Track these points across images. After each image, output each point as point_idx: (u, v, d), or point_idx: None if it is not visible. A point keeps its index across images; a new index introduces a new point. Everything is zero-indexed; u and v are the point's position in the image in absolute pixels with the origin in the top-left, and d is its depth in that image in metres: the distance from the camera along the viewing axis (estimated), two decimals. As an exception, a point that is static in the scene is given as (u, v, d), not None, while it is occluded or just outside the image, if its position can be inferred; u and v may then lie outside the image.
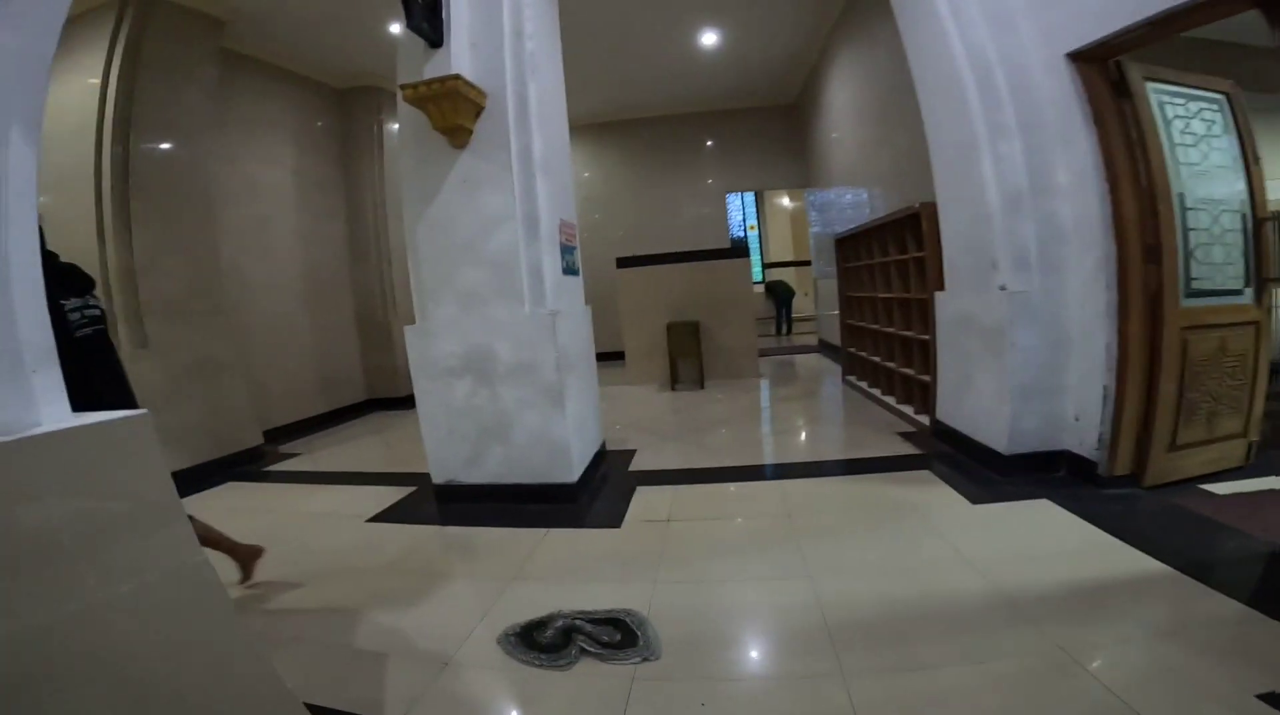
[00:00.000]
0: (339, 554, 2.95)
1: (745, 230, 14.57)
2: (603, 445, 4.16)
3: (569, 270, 3.79)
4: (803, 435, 4.64)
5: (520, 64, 3.28)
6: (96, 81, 4.12)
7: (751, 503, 3.21)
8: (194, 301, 4.64)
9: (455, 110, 3.06)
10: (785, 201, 14.56)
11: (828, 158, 7.83)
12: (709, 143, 9.50)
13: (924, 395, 4.30)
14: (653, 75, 7.85)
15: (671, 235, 9.08)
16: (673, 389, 6.56)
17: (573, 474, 3.40)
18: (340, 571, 2.74)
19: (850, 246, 6.00)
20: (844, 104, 6.79)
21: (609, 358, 7.02)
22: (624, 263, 7.16)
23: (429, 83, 2.97)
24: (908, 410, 4.62)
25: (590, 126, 9.33)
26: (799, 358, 8.63)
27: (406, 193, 3.41)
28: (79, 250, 4.12)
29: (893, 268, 4.91)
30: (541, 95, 3.43)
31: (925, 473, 3.37)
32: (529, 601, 2.29)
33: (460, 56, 3.06)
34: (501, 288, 3.27)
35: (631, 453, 4.26)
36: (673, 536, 2.83)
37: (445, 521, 3.26)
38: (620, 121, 9.46)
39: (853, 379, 6.10)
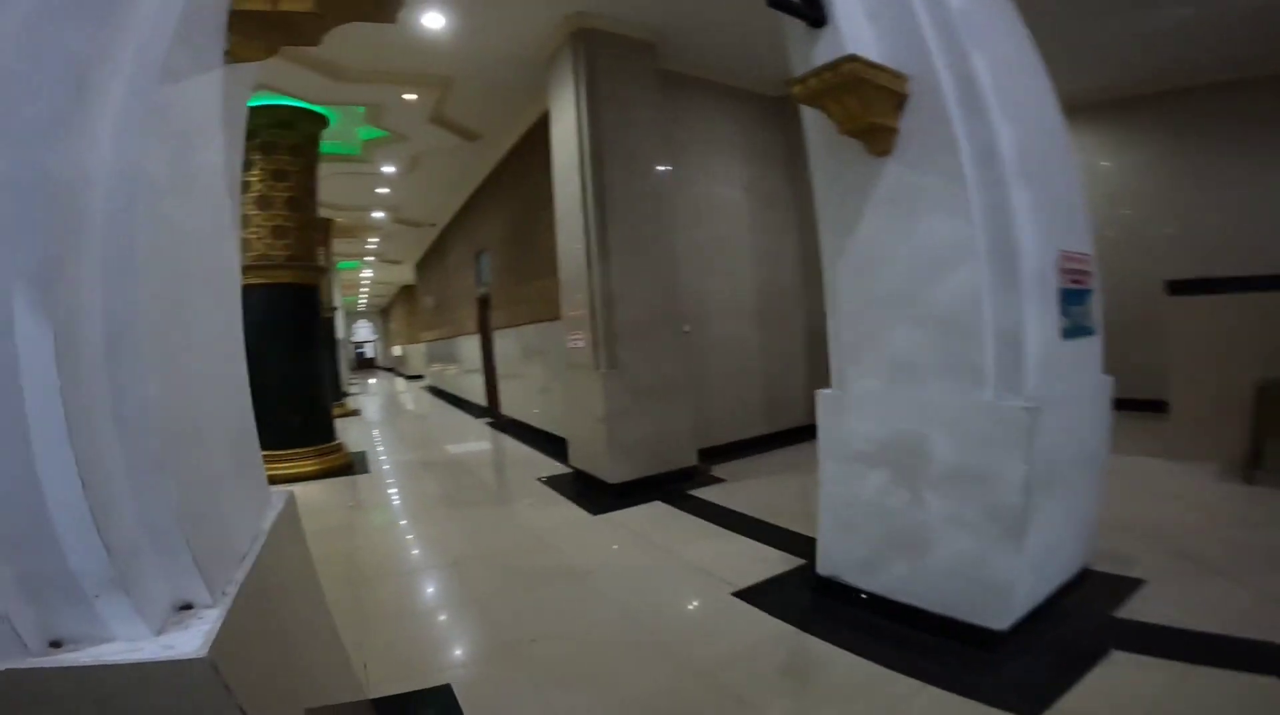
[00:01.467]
0: (676, 634, 2.60)
1: None
2: (1083, 568, 2.70)
3: (1075, 330, 2.52)
4: None
5: (949, 31, 2.29)
6: (572, 118, 4.84)
7: None
8: (656, 325, 5.04)
9: (863, 104, 2.29)
10: None
11: None
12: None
13: None
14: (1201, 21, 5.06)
15: (1268, 245, 5.73)
16: (1248, 481, 4.00)
17: (1005, 619, 2.21)
18: (657, 657, 2.35)
19: None
20: None
21: (1132, 407, 4.78)
22: (1181, 288, 4.78)
23: (818, 72, 2.29)
24: None
25: (1103, 105, 6.70)
26: None
27: (821, 220, 2.76)
28: (576, 271, 5.04)
29: None
30: (997, 70, 2.34)
31: None
32: None
33: (855, 32, 2.34)
34: (949, 359, 2.34)
35: (1134, 585, 2.64)
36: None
37: (809, 626, 2.55)
38: (1156, 94, 6.56)
39: None
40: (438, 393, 15.33)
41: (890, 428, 2.51)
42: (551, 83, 5.28)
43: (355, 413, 12.25)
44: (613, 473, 4.77)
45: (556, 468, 5.83)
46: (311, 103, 6.22)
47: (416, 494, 5.56)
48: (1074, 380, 2.50)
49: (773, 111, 6.64)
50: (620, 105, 4.92)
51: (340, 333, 18.57)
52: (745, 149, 6.39)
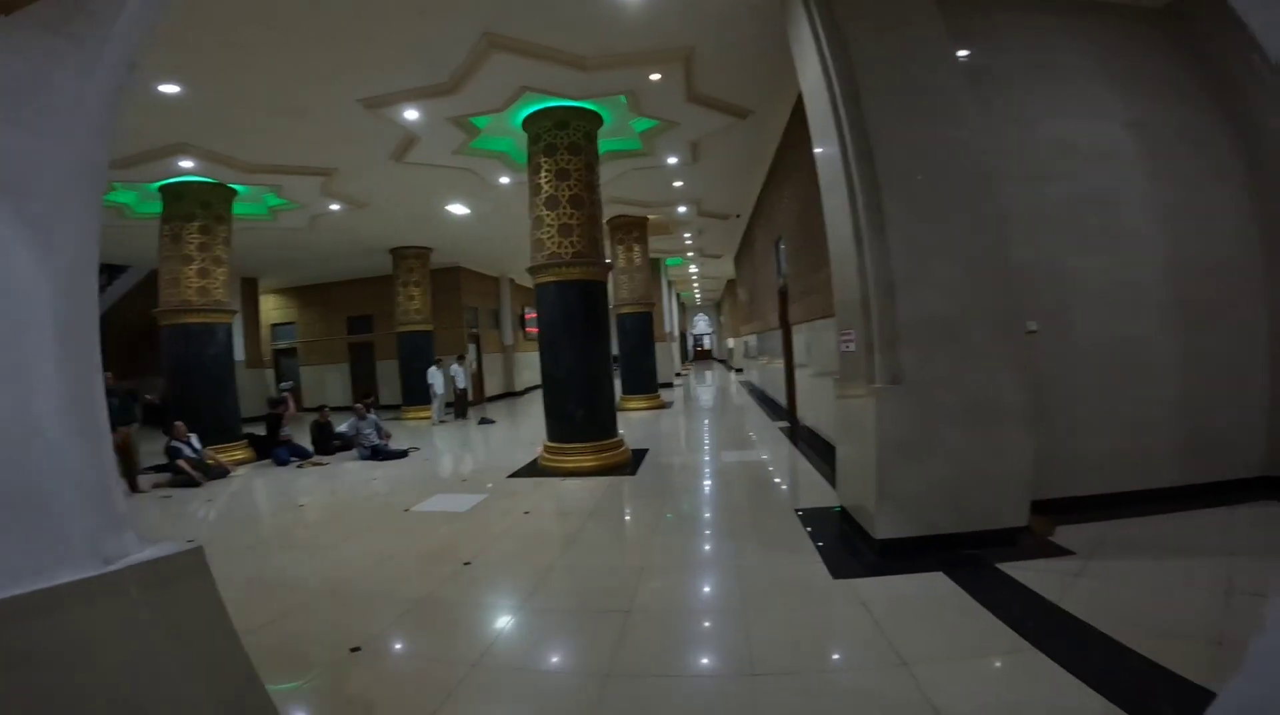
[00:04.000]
0: None
1: None
2: None
3: None
4: None
5: None
6: (814, 56, 3.56)
7: None
8: (969, 322, 3.46)
9: None
10: None
11: None
12: None
13: None
14: None
15: None
16: None
17: None
18: None
19: None
20: None
21: None
22: None
23: None
24: None
25: None
26: None
27: None
28: (844, 251, 3.81)
29: None
30: None
31: None
32: None
33: None
34: None
35: None
36: None
37: None
38: None
39: None
40: (751, 389, 14.91)
41: None
42: (790, 26, 4.12)
43: (665, 406, 12.59)
44: (881, 525, 3.41)
45: (829, 499, 4.61)
46: (578, 98, 6.19)
47: (646, 508, 5.03)
48: None
49: (1153, 31, 4.32)
50: (879, 26, 3.60)
51: (669, 326, 19.78)
52: (1116, 78, 4.26)
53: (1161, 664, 2.09)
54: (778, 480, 5.80)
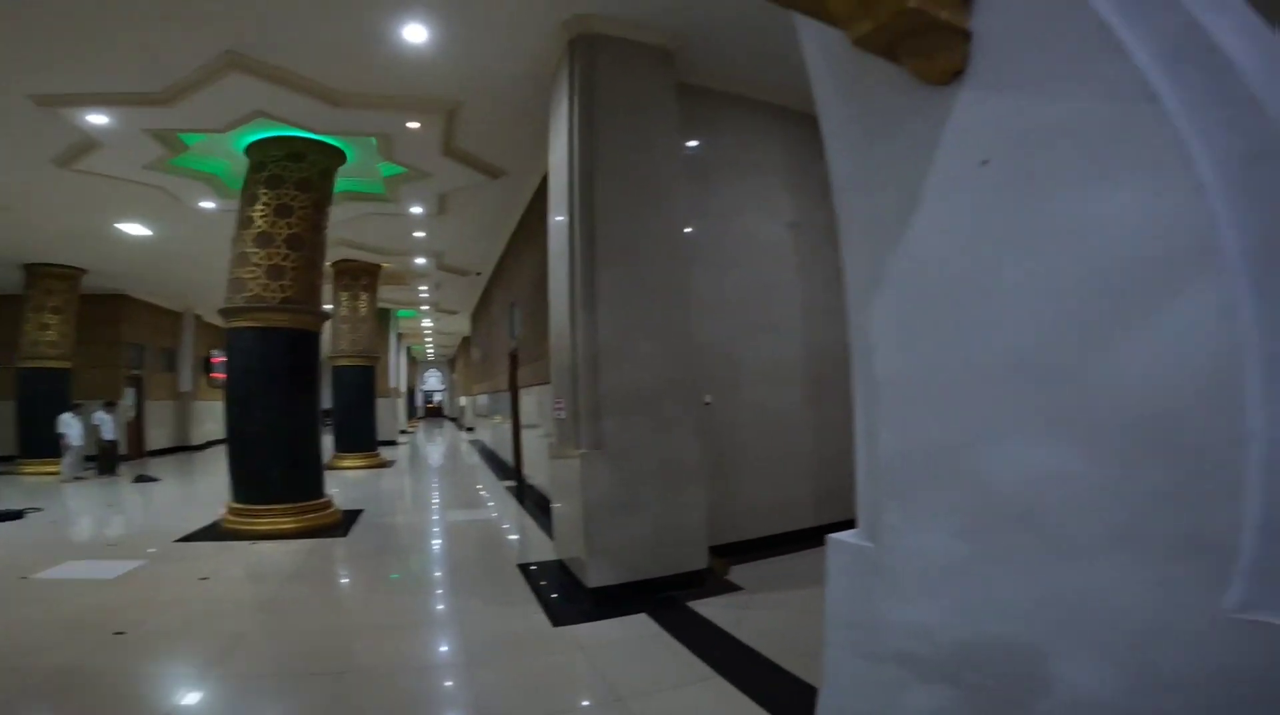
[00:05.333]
0: None
1: None
2: None
3: None
4: None
5: None
6: (565, 137, 3.97)
7: None
8: (662, 394, 3.97)
9: None
10: None
11: None
12: None
13: None
14: None
15: None
16: None
17: None
18: None
19: None
20: None
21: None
22: None
23: None
24: None
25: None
26: None
27: (841, 219, 1.73)
28: (560, 323, 4.12)
29: None
30: None
31: None
32: None
33: None
34: (1153, 505, 1.11)
35: None
36: None
37: None
38: None
39: None
40: (482, 449, 14.72)
41: (974, 627, 1.36)
42: (552, 99, 4.54)
43: (386, 464, 11.74)
44: (592, 575, 3.71)
45: (551, 553, 4.81)
46: (321, 133, 5.82)
47: (359, 569, 4.69)
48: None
49: (817, 135, 5.65)
50: (625, 122, 4.06)
51: (394, 381, 18.62)
52: (791, 178, 5.33)
53: (805, 679, 2.59)
54: (502, 537, 5.86)
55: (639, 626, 3.35)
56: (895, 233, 1.52)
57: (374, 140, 6.03)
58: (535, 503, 7.17)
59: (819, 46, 1.68)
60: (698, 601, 3.66)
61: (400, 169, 6.75)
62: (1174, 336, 1.09)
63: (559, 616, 3.49)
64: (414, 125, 5.61)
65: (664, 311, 4.07)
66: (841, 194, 1.71)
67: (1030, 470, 1.27)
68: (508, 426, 10.34)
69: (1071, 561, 1.21)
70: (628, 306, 3.95)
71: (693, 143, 4.79)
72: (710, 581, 4.00)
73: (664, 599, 3.69)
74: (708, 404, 4.39)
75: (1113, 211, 1.17)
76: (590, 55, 4.02)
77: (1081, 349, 1.20)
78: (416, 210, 8.09)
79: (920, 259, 1.49)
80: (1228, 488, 1.04)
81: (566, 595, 3.86)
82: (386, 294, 13.14)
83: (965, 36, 1.34)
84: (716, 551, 4.27)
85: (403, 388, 23.05)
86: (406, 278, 12.56)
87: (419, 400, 36.58)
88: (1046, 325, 1.25)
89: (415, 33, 4.15)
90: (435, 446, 17.44)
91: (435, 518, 6.81)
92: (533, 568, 4.49)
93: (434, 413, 37.65)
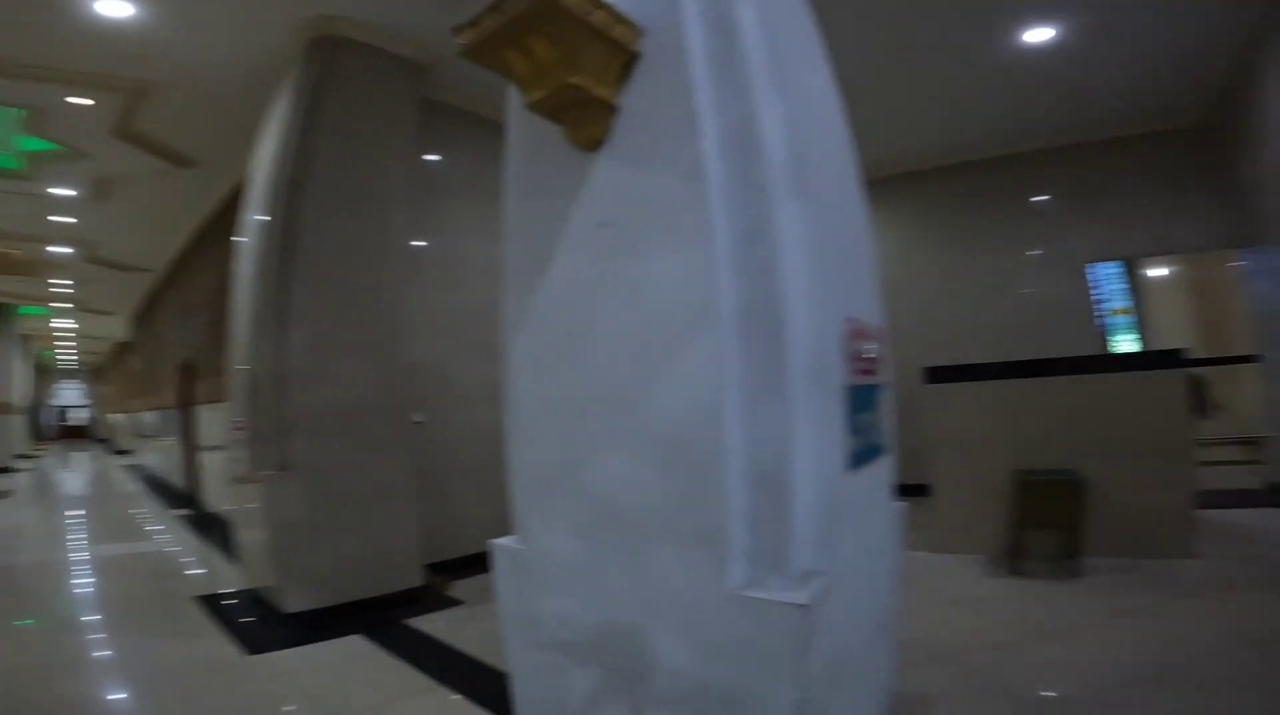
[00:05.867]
0: None
1: (1112, 316, 10.22)
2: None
3: (866, 453, 1.77)
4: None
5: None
6: (279, 136, 3.86)
7: None
8: (368, 414, 3.95)
9: (560, 51, 1.48)
10: (1165, 272, 9.91)
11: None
12: (1053, 194, 6.65)
13: None
14: (957, 99, 5.67)
15: (1008, 329, 6.52)
16: (1013, 571, 3.91)
17: None
18: None
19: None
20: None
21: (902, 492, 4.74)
22: (937, 375, 4.70)
23: (499, 6, 1.42)
24: None
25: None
26: (1244, 516, 4.77)
27: (505, 263, 2.02)
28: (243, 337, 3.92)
29: None
30: (771, 25, 1.64)
31: None
32: None
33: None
34: (676, 509, 1.54)
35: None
36: None
37: None
38: (907, 174, 7.10)
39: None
40: (145, 475, 12.28)
41: (598, 613, 1.67)
42: (277, 96, 4.29)
43: (2, 495, 9.24)
44: (291, 600, 3.61)
45: (236, 583, 4.51)
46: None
47: None
48: (864, 531, 1.78)
49: None
50: (357, 129, 3.97)
51: (10, 394, 14.54)
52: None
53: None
54: (177, 569, 5.24)
55: (353, 647, 3.36)
56: (536, 278, 1.84)
57: (22, 112, 4.97)
58: (218, 531, 6.47)
59: (514, 100, 1.86)
60: (417, 618, 3.75)
61: (51, 145, 5.60)
62: (688, 374, 1.52)
63: (254, 645, 3.36)
64: (82, 102, 4.79)
65: (372, 328, 4.06)
66: (506, 238, 1.99)
67: (617, 480, 1.63)
68: (173, 450, 8.98)
69: (648, 553, 1.57)
70: (329, 321, 3.85)
71: (433, 157, 4.80)
72: (429, 598, 4.09)
73: (380, 619, 3.73)
74: (418, 423, 4.46)
75: (668, 272, 1.54)
76: (331, 58, 3.95)
77: (643, 382, 1.60)
78: (63, 192, 6.67)
79: (549, 302, 1.82)
80: (719, 490, 1.45)
81: (261, 623, 3.71)
82: (4, 286, 10.26)
83: (613, 110, 1.62)
84: (437, 568, 4.38)
85: (26, 402, 17.93)
86: (38, 268, 10.01)
87: (49, 418, 28.78)
88: (623, 363, 1.64)
89: (116, 8, 3.67)
90: (76, 473, 13.96)
91: (82, 556, 5.73)
92: (214, 598, 4.20)
93: (74, 433, 29.69)
